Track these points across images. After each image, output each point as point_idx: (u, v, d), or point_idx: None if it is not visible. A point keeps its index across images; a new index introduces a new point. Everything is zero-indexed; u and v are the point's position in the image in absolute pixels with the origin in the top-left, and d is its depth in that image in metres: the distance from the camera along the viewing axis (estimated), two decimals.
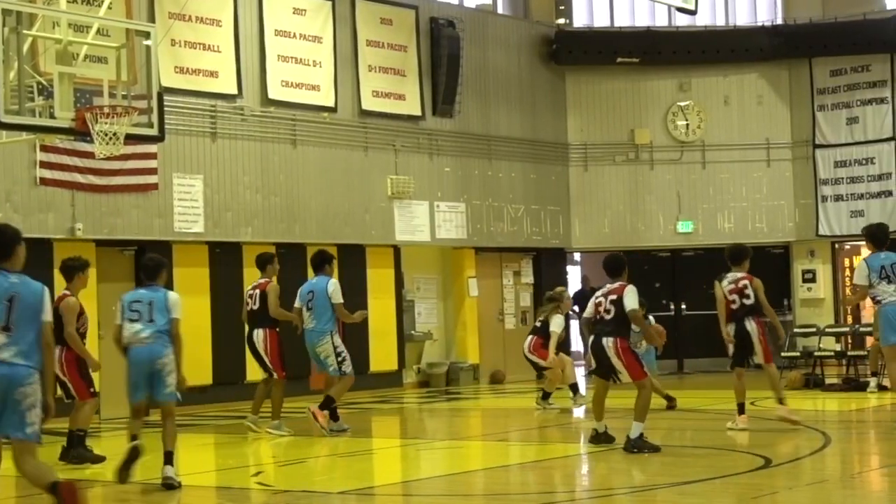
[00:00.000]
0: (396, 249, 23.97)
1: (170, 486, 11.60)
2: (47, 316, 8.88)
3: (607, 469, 12.65)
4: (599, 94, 27.87)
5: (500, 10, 27.47)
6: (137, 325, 11.87)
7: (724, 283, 14.98)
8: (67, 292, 13.64)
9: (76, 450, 13.55)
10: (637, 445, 12.77)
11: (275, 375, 15.99)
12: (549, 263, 27.13)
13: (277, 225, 21.95)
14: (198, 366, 20.63)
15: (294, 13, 22.46)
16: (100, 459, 13.45)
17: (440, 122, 24.89)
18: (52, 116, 15.38)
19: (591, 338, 13.30)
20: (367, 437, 15.70)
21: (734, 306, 14.88)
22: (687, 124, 27.93)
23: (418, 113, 24.47)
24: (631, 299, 13.07)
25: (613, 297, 13.12)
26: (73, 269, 13.77)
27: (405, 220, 24.01)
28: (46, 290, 9.11)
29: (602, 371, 13.26)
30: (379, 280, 23.44)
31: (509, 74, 26.49)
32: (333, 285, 15.89)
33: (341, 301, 15.86)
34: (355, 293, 17.57)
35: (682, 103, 27.94)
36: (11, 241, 9.19)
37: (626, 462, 12.93)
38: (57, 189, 19.02)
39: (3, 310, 8.74)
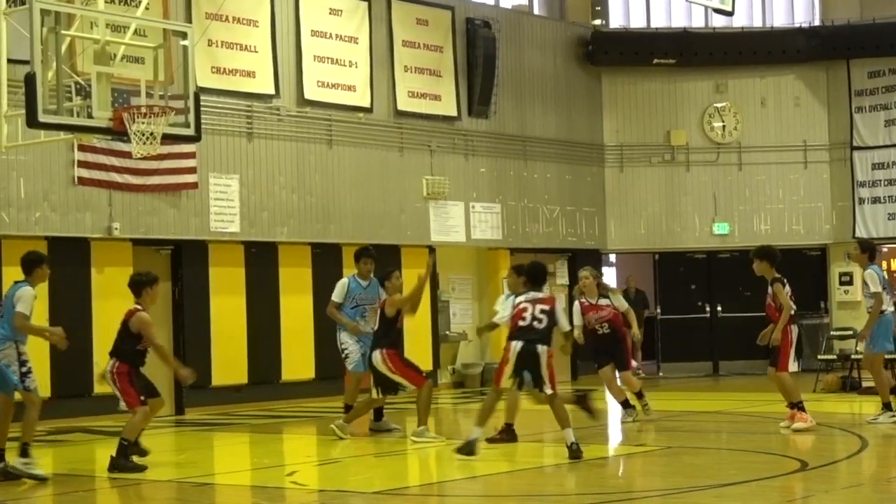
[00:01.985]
0: (431, 250, 23.95)
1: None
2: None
3: (643, 471, 12.62)
4: (635, 94, 27.80)
5: (535, 11, 27.44)
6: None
7: (787, 288, 15.11)
8: (139, 307, 13.39)
9: (117, 460, 13.36)
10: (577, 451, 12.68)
11: (410, 388, 15.13)
12: (584, 265, 26.97)
13: (313, 225, 21.98)
14: (233, 365, 20.73)
15: (330, 14, 22.49)
16: (140, 468, 13.27)
17: (476, 123, 24.88)
18: (89, 116, 15.44)
19: (519, 343, 12.91)
20: (401, 437, 15.68)
21: (793, 311, 15.10)
22: (723, 126, 27.82)
23: (454, 113, 24.46)
24: (566, 320, 13.27)
25: (545, 307, 12.97)
26: (141, 285, 13.57)
27: (440, 220, 24.01)
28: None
29: (535, 381, 12.91)
30: (414, 280, 23.35)
31: (545, 75, 26.45)
32: (337, 284, 16.17)
33: (332, 299, 16.04)
34: None
35: (719, 104, 27.84)
36: None
37: (661, 464, 12.91)
38: (94, 188, 19.11)
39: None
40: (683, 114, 27.81)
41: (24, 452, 12.40)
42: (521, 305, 13.02)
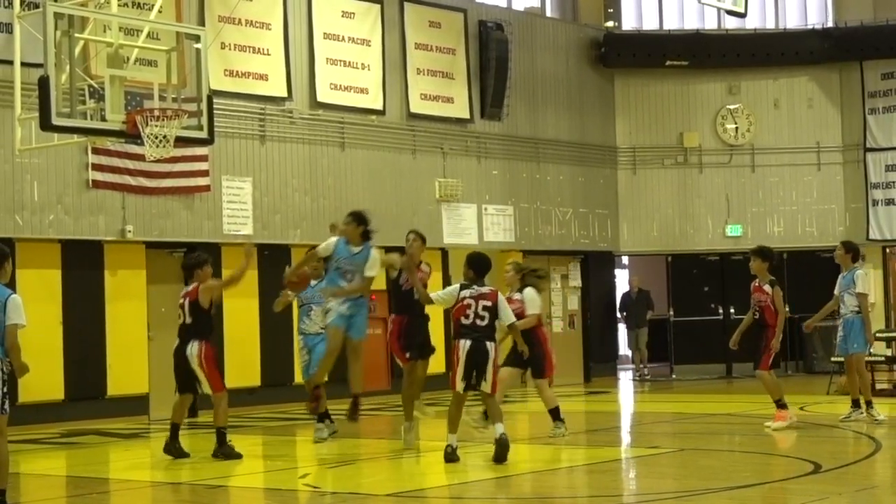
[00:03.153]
0: (444, 252, 23.96)
1: None
2: (10, 320, 9.82)
3: (656, 473, 12.60)
4: (648, 96, 27.80)
5: (548, 13, 27.43)
6: None
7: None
8: (196, 283, 14.08)
9: (222, 448, 13.95)
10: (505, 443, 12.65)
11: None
12: (597, 267, 27.08)
13: (326, 227, 21.94)
14: (246, 367, 20.75)
15: (343, 16, 22.52)
16: (237, 456, 13.88)
17: (488, 125, 24.89)
18: (103, 119, 15.51)
19: (468, 342, 12.64)
20: (415, 440, 15.68)
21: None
22: (736, 127, 27.81)
23: (466, 116, 24.47)
24: (509, 313, 12.92)
25: (487, 303, 12.67)
26: (191, 267, 14.28)
27: (453, 222, 24.02)
28: (14, 297, 9.93)
29: (478, 377, 12.77)
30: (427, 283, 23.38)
31: (557, 77, 26.45)
32: None
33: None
34: None
35: (732, 106, 27.82)
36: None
37: (674, 466, 12.89)
38: (107, 191, 19.14)
39: None
40: (696, 116, 27.81)
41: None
42: (465, 301, 12.70)
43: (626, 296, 27.43)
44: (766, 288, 15.56)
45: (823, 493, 10.65)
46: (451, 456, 12.71)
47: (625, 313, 27.32)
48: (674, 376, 27.25)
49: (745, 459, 13.38)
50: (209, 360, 13.87)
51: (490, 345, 12.71)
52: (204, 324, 13.92)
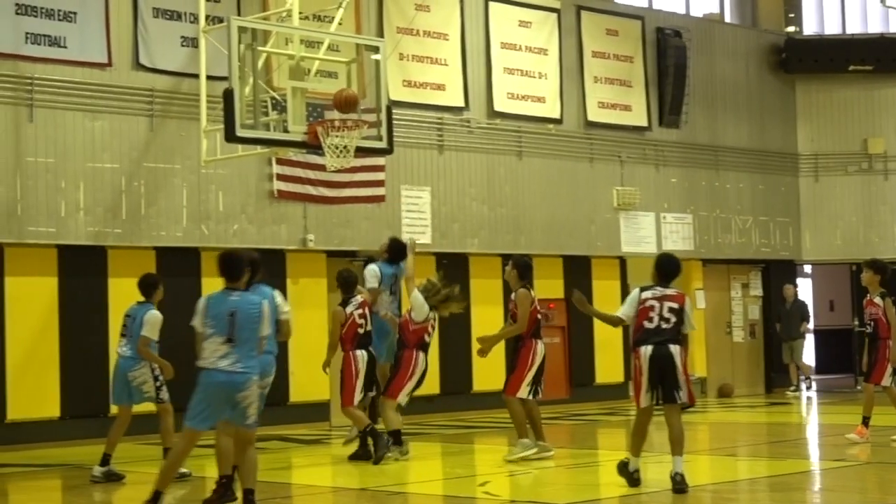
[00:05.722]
0: (622, 261, 23.83)
1: None
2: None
3: (838, 485, 12.34)
4: (831, 102, 27.26)
5: (727, 19, 27.10)
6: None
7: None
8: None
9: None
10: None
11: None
12: (778, 276, 26.61)
13: (503, 236, 22.05)
14: (427, 376, 20.86)
15: (520, 26, 22.56)
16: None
17: (666, 133, 24.68)
18: (285, 130, 15.80)
19: (649, 348, 11.47)
20: (593, 449, 15.61)
21: None
22: None
23: (644, 124, 24.30)
24: (693, 321, 11.78)
25: (674, 305, 11.54)
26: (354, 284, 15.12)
27: (631, 231, 23.86)
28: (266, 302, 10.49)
29: (665, 389, 11.49)
30: (605, 291, 23.26)
31: (737, 84, 26.11)
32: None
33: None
34: None
35: None
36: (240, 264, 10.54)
37: (857, 479, 12.60)
38: (289, 201, 19.47)
39: (226, 324, 9.83)
40: (881, 121, 27.17)
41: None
42: (648, 303, 11.60)
43: (780, 306, 26.80)
44: (877, 300, 15.52)
45: None
46: (633, 480, 11.86)
47: (779, 325, 26.65)
48: (858, 387, 26.61)
49: None
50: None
51: (675, 348, 11.44)
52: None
